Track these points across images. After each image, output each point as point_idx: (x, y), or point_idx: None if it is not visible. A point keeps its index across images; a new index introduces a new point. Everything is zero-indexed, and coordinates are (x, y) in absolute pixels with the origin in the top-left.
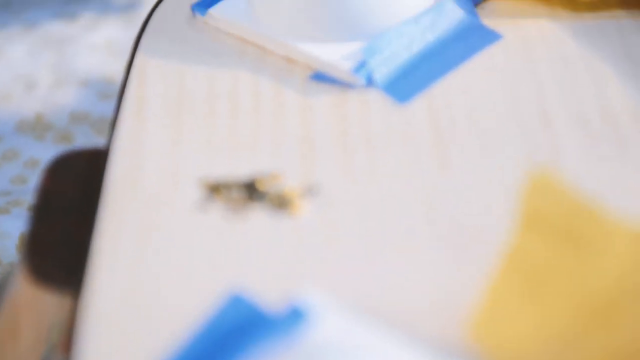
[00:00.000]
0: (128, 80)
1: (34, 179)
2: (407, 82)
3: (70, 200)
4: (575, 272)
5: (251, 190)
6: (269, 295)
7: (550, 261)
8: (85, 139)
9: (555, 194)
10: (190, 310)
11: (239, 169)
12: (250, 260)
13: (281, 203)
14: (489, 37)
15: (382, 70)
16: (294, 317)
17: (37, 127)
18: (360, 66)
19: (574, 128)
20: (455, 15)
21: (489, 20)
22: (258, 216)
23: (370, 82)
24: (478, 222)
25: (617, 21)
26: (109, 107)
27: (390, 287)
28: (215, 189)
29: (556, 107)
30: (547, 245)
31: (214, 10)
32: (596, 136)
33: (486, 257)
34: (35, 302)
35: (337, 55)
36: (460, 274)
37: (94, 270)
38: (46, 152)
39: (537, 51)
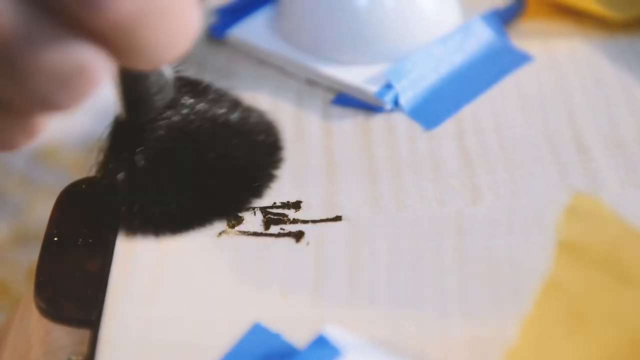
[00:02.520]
0: None
1: (44, 208)
2: (434, 107)
3: (82, 231)
4: (618, 305)
5: (271, 220)
6: (291, 328)
7: (591, 294)
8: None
9: (594, 221)
10: (209, 344)
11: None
12: (270, 293)
13: (303, 233)
14: (520, 58)
15: (408, 94)
16: (320, 349)
17: (48, 154)
18: (385, 89)
19: (611, 154)
20: (484, 36)
21: (519, 41)
22: (278, 247)
23: (395, 106)
24: (513, 254)
25: None
26: None
27: (421, 322)
28: (233, 219)
29: (591, 131)
30: (588, 276)
31: (232, 32)
32: (635, 161)
33: (523, 289)
34: (48, 337)
35: (361, 77)
36: (495, 308)
37: (109, 305)
38: (58, 179)
39: (570, 73)
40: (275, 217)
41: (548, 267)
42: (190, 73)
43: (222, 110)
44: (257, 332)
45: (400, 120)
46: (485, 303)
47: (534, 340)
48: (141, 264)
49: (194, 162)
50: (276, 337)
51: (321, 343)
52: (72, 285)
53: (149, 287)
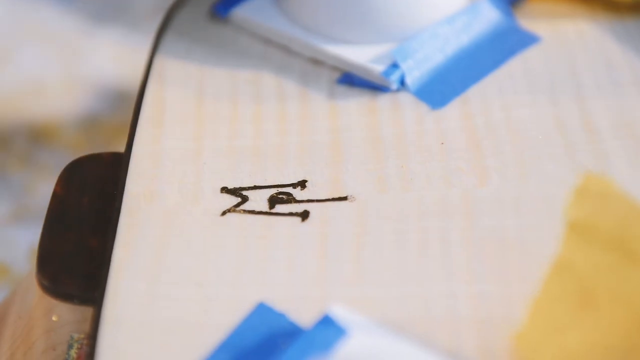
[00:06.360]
0: (146, 84)
1: (44, 187)
2: (440, 87)
3: (85, 208)
4: (627, 286)
5: (276, 200)
6: (296, 308)
7: (600, 275)
8: (99, 145)
9: (603, 202)
10: (213, 322)
11: (263, 177)
12: (275, 272)
13: (308, 213)
14: (527, 39)
15: (415, 73)
16: (325, 329)
17: (48, 133)
18: (392, 69)
19: (619, 135)
20: (491, 16)
21: (526, 21)
22: (283, 227)
23: (401, 86)
24: (521, 235)
25: None
26: (123, 112)
27: (429, 302)
28: (238, 198)
29: (599, 112)
30: (597, 256)
31: (236, 11)
32: None
33: (531, 270)
34: (50, 315)
35: (367, 57)
36: (504, 288)
37: (112, 282)
38: (59, 159)
39: (578, 54)
40: (281, 197)
41: (557, 248)
42: (196, 52)
43: None
44: (262, 311)
45: (406, 100)
46: (493, 284)
47: (542, 321)
48: (144, 241)
49: None
50: (281, 316)
51: (327, 323)
52: (75, 263)
53: (152, 264)
